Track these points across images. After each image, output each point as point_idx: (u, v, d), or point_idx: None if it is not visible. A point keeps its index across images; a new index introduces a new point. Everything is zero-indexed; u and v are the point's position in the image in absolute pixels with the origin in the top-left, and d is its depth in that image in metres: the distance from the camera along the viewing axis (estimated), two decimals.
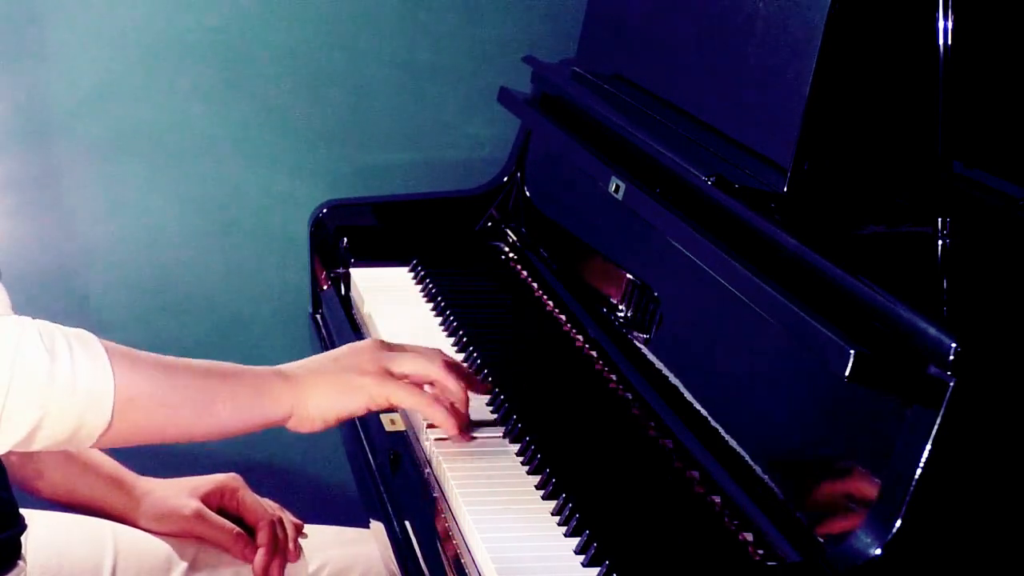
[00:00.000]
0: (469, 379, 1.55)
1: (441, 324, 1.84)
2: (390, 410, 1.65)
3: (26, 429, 1.27)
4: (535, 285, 1.96)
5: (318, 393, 1.43)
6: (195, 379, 1.39)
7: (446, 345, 1.77)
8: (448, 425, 1.48)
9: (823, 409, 1.29)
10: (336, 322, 1.93)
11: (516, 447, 1.50)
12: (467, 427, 1.51)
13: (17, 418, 1.26)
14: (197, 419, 1.39)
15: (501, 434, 1.53)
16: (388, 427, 1.61)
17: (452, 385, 1.50)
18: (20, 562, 1.55)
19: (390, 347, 1.50)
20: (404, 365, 1.48)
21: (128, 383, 1.32)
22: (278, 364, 1.47)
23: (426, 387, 1.50)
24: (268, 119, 2.41)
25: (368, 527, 1.71)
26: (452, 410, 1.49)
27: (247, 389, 1.41)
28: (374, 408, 1.48)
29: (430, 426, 1.52)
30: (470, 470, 1.45)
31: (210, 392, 1.39)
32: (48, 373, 1.26)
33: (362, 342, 1.52)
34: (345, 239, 2.08)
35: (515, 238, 2.10)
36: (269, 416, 1.42)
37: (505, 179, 2.15)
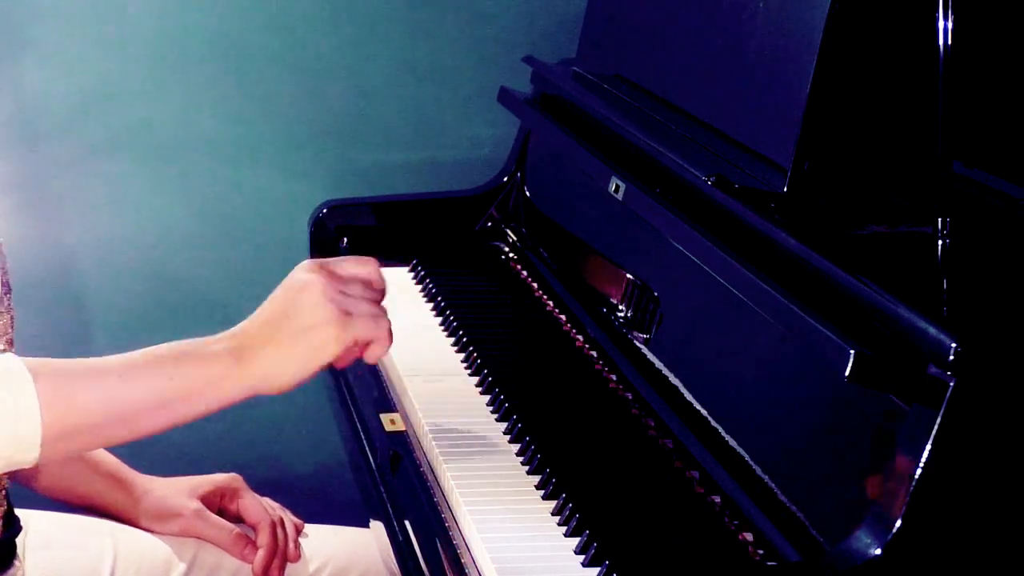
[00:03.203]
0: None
1: (441, 324, 1.84)
2: (392, 410, 1.65)
3: None
4: (535, 285, 1.96)
5: (281, 364, 1.38)
6: (139, 391, 1.35)
7: (446, 345, 1.77)
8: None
9: (823, 409, 1.29)
10: None
11: (516, 447, 1.50)
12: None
13: None
14: (146, 427, 1.37)
15: (501, 433, 1.53)
16: (388, 427, 1.62)
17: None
18: (16, 562, 1.55)
19: (327, 267, 1.41)
20: (348, 270, 1.41)
21: (58, 427, 1.31)
22: None
23: None
24: (268, 119, 2.41)
25: (368, 527, 1.71)
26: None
27: (201, 384, 1.37)
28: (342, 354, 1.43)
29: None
30: (470, 470, 1.45)
31: (157, 399, 1.36)
32: None
33: (301, 277, 1.40)
34: (345, 239, 2.08)
35: (515, 238, 2.10)
36: (228, 402, 1.39)
37: (505, 179, 2.15)
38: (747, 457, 1.37)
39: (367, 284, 1.42)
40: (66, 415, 1.32)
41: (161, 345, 1.39)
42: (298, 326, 1.38)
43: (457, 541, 1.37)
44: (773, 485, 1.32)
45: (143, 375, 1.36)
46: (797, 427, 1.32)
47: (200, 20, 2.35)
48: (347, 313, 1.38)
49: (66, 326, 2.40)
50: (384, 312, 1.41)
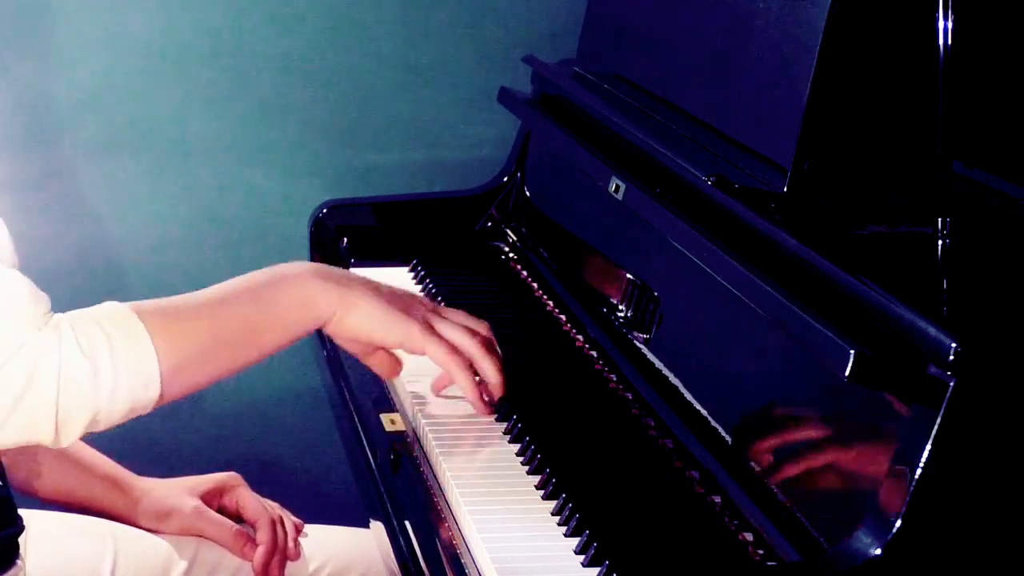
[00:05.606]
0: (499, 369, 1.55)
1: None
2: (392, 410, 1.65)
3: (82, 429, 1.34)
4: (535, 285, 1.96)
5: (361, 311, 1.46)
6: (238, 316, 1.42)
7: None
8: (471, 394, 1.51)
9: (823, 409, 1.29)
10: None
11: (516, 447, 1.50)
12: (491, 403, 1.54)
13: (72, 425, 1.33)
14: (246, 356, 1.43)
15: (501, 433, 1.53)
16: (388, 427, 1.62)
17: (487, 366, 1.51)
18: (18, 561, 1.55)
19: (439, 309, 1.52)
20: (448, 332, 1.50)
21: (173, 357, 1.36)
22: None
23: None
24: (268, 119, 2.41)
25: (368, 527, 1.71)
26: (477, 384, 1.51)
27: (293, 306, 1.44)
28: (406, 349, 1.51)
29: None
30: (470, 470, 1.45)
31: (254, 322, 1.42)
32: (92, 381, 1.32)
33: (412, 292, 1.54)
34: (345, 239, 2.08)
35: (515, 238, 2.10)
36: (312, 325, 1.46)
37: (505, 179, 2.15)
38: (747, 457, 1.37)
39: (474, 331, 1.51)
40: (178, 348, 1.36)
41: (248, 274, 1.45)
42: (392, 298, 1.47)
43: (457, 541, 1.37)
44: (773, 485, 1.32)
45: (240, 300, 1.42)
46: (797, 427, 1.32)
47: (200, 20, 2.35)
48: (430, 326, 1.48)
49: None
50: (475, 349, 1.49)
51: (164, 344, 1.35)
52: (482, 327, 1.52)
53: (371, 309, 1.46)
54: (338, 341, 1.51)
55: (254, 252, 2.46)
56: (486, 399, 1.53)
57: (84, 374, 1.31)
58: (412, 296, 1.51)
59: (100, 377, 1.31)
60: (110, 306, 1.37)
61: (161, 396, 1.36)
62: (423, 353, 1.49)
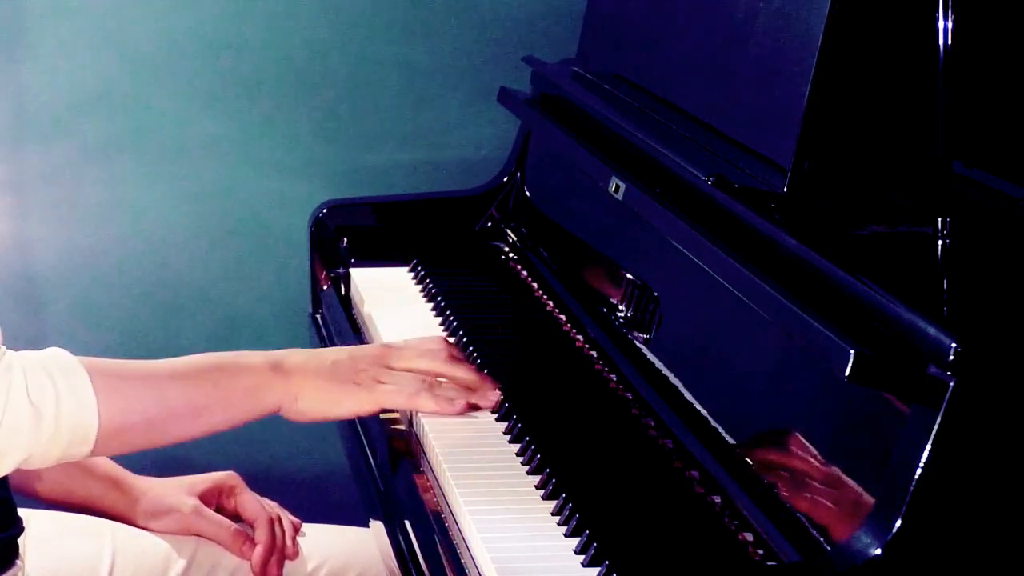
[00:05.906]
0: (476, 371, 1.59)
1: (441, 324, 1.84)
2: (392, 410, 1.65)
3: (12, 467, 1.37)
4: (535, 285, 1.96)
5: (308, 395, 1.49)
6: (186, 392, 1.44)
7: None
8: (441, 411, 1.53)
9: (823, 409, 1.29)
10: (336, 322, 1.93)
11: (516, 447, 1.50)
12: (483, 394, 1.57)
13: (4, 461, 1.36)
14: (185, 430, 1.46)
15: (501, 433, 1.53)
16: (388, 427, 1.61)
17: (460, 372, 1.55)
18: (18, 562, 1.55)
19: (391, 353, 1.55)
20: (406, 360, 1.53)
21: (112, 420, 1.39)
22: None
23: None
24: (268, 119, 2.41)
25: (368, 527, 1.71)
26: (442, 397, 1.53)
27: (240, 392, 1.47)
28: (363, 415, 1.55)
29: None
30: (470, 469, 1.45)
31: (201, 401, 1.45)
32: (34, 428, 1.35)
33: (366, 348, 1.58)
34: (345, 239, 2.08)
35: (515, 238, 2.10)
36: (259, 414, 1.49)
37: (505, 179, 2.15)
38: (747, 457, 1.37)
39: (430, 354, 1.54)
40: (120, 411, 1.39)
41: (204, 354, 1.48)
42: (335, 372, 1.50)
43: (457, 541, 1.37)
44: (773, 485, 1.32)
45: (191, 378, 1.45)
46: (797, 427, 1.32)
47: (201, 20, 2.35)
48: (378, 381, 1.51)
49: (66, 325, 2.40)
50: (425, 386, 1.53)
51: (107, 406, 1.38)
52: (432, 354, 1.55)
53: (317, 394, 1.49)
54: (303, 422, 1.53)
55: (254, 252, 2.46)
56: (473, 400, 1.56)
57: (28, 420, 1.34)
58: (360, 356, 1.53)
59: (42, 425, 1.35)
60: (61, 356, 1.40)
61: (91, 452, 1.39)
62: (382, 411, 1.54)
